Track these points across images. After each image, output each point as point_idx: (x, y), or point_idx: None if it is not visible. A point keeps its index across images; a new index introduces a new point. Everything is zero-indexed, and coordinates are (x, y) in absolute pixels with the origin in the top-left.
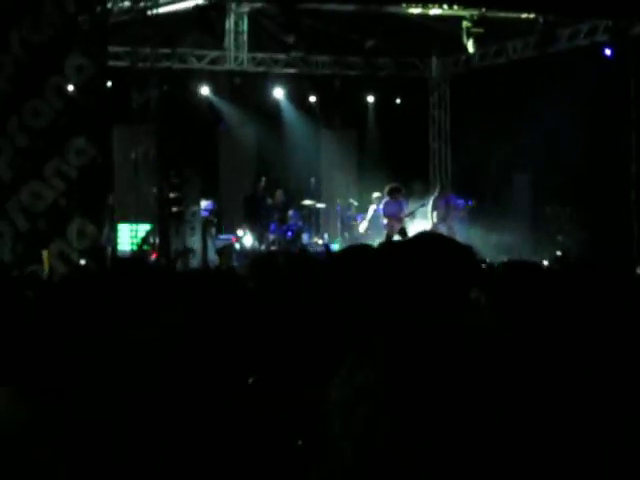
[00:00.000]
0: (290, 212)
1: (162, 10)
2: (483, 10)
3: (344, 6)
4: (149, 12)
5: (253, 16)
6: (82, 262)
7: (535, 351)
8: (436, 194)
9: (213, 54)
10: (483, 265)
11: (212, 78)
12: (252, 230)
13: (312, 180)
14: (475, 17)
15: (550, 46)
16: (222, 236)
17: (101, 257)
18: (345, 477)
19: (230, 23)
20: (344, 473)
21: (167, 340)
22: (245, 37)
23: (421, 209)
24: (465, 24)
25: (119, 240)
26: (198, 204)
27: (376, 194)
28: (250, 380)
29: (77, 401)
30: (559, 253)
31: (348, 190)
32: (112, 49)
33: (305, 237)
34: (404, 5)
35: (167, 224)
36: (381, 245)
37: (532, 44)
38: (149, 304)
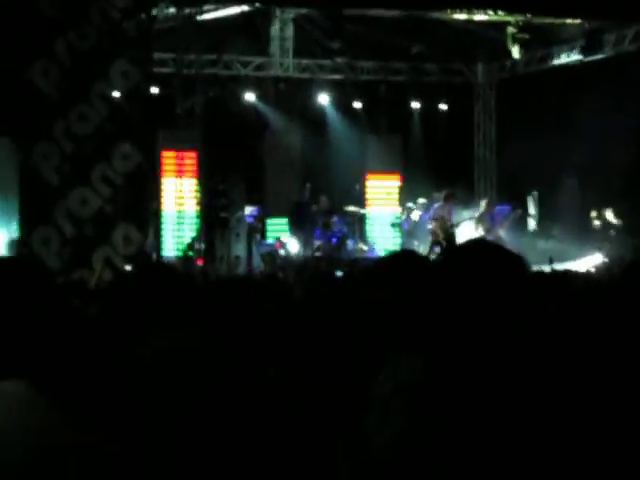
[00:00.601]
0: (334, 218)
1: (208, 16)
2: (528, 16)
3: (389, 12)
4: (194, 18)
5: (298, 22)
6: (127, 268)
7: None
8: (482, 209)
9: (258, 60)
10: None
11: (257, 84)
12: (297, 236)
13: (356, 186)
14: (520, 23)
15: (596, 51)
16: (267, 242)
17: (146, 263)
18: (376, 471)
19: (275, 29)
20: (375, 467)
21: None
22: (290, 43)
23: (466, 217)
24: (510, 30)
25: (165, 246)
26: (243, 210)
27: (421, 200)
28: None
29: (120, 411)
30: (606, 260)
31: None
32: (157, 55)
33: (350, 243)
34: (449, 11)
35: (212, 230)
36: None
37: (578, 49)
38: (188, 310)
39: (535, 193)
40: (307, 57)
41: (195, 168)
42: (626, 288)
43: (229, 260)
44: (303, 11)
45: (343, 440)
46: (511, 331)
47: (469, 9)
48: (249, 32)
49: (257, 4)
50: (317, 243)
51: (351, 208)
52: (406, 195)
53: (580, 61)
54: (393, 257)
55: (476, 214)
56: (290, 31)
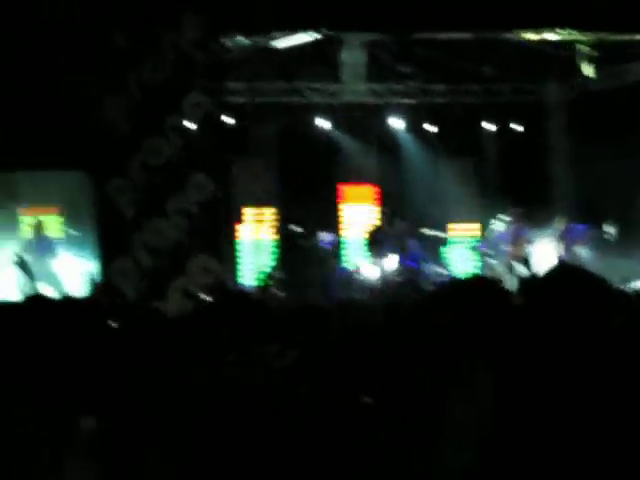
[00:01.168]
0: (411, 242)
1: (279, 45)
2: (599, 33)
3: (459, 34)
4: (266, 47)
5: (370, 48)
6: (205, 298)
7: None
8: (559, 228)
9: (331, 87)
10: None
11: (330, 111)
12: (375, 261)
13: (433, 209)
14: (591, 40)
15: None
16: (343, 268)
17: (223, 293)
18: None
19: (347, 55)
20: None
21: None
22: (362, 69)
23: (542, 236)
24: (581, 48)
25: (243, 275)
26: (319, 236)
27: (497, 222)
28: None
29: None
30: None
31: (469, 218)
32: (230, 85)
33: (428, 267)
34: (520, 32)
35: (290, 258)
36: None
37: None
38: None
39: (612, 212)
40: (379, 82)
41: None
42: None
43: (306, 287)
44: (374, 36)
45: (418, 464)
46: (596, 356)
47: (539, 29)
48: (320, 59)
49: (327, 31)
50: (395, 267)
51: (428, 231)
52: (481, 217)
53: None
54: (463, 283)
55: (552, 233)
56: (361, 57)
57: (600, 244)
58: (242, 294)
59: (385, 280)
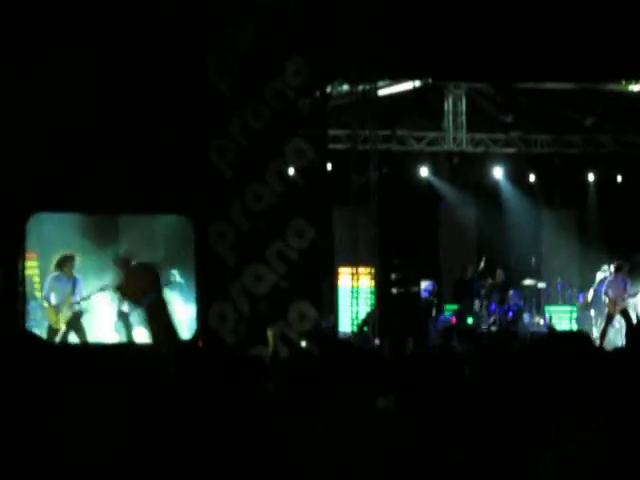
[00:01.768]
0: (511, 292)
1: (381, 92)
2: None
3: (562, 84)
4: (368, 95)
5: (471, 96)
6: (303, 344)
7: None
8: None
9: (432, 135)
10: None
11: (431, 159)
12: (469, 311)
13: (533, 260)
14: None
15: None
16: (443, 316)
17: (322, 340)
18: None
19: (448, 104)
20: None
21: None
22: (463, 117)
23: None
24: None
25: (340, 322)
26: (418, 285)
27: (600, 273)
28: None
29: None
30: None
31: (569, 269)
32: (332, 132)
33: (526, 317)
34: (623, 82)
35: (388, 305)
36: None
37: None
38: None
39: None
40: (480, 131)
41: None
42: None
43: (405, 334)
44: (475, 85)
45: None
46: None
47: None
48: (422, 107)
49: (429, 79)
50: (493, 317)
51: (527, 282)
52: (582, 269)
53: None
54: (558, 337)
55: None
56: (463, 105)
57: None
58: (344, 343)
59: (483, 329)
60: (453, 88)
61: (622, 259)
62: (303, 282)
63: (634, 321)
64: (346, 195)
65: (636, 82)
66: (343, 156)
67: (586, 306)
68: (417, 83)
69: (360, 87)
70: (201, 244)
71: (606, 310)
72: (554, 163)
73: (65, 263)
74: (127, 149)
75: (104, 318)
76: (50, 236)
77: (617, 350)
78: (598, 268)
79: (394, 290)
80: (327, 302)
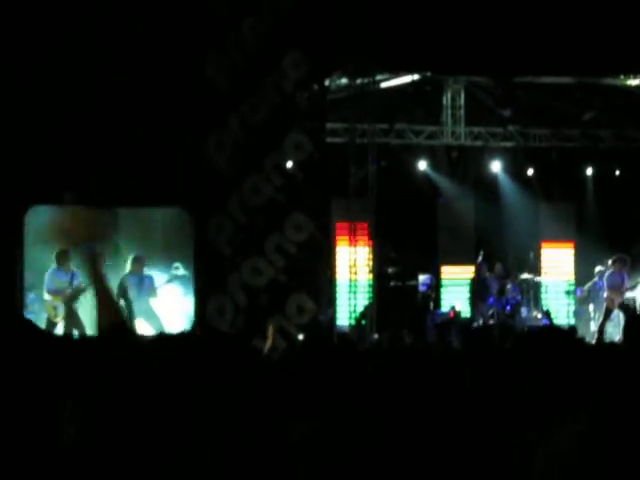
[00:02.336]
0: (509, 286)
1: (379, 86)
2: None
3: (560, 78)
4: (366, 88)
5: (469, 90)
6: (300, 337)
7: None
8: None
9: (430, 129)
10: None
11: (429, 152)
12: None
13: (531, 254)
14: None
15: None
16: (441, 311)
17: (319, 333)
18: None
19: (447, 98)
20: None
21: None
22: (462, 111)
23: None
24: None
25: (338, 315)
26: (416, 278)
27: (599, 267)
28: None
29: None
30: None
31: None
32: (330, 125)
33: (524, 311)
34: (622, 76)
35: (386, 299)
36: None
37: None
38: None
39: None
40: (479, 125)
41: (368, 237)
42: None
43: (401, 328)
44: (474, 79)
45: None
46: None
47: None
48: (420, 101)
49: (428, 73)
50: (490, 311)
51: (525, 276)
52: (580, 262)
53: None
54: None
55: None
56: (461, 99)
57: None
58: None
59: (480, 324)
60: (452, 82)
61: (621, 252)
62: (301, 275)
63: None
64: (344, 188)
65: (634, 76)
66: (341, 150)
67: (584, 300)
68: (416, 77)
69: (358, 81)
70: (200, 237)
71: (604, 305)
72: (552, 157)
73: (63, 257)
74: (126, 143)
75: None
76: (48, 228)
77: (613, 345)
78: (597, 262)
79: (391, 284)
80: (325, 295)
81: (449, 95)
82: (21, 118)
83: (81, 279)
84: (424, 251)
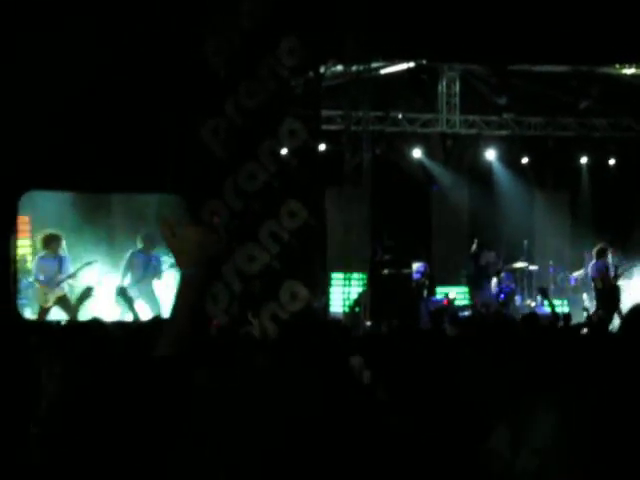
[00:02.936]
0: (502, 274)
1: (374, 73)
2: None
3: (556, 67)
4: (362, 76)
5: (465, 78)
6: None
7: None
8: None
9: (425, 117)
10: None
11: (424, 140)
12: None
13: (525, 242)
14: None
15: None
16: (435, 298)
17: (312, 320)
18: None
19: (442, 86)
20: None
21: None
22: (457, 100)
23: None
24: None
25: (331, 302)
26: (410, 266)
27: (589, 256)
28: None
29: None
30: None
31: (561, 252)
32: (325, 113)
33: (517, 299)
34: (617, 66)
35: (380, 286)
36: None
37: None
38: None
39: None
40: (474, 113)
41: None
42: None
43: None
44: (469, 67)
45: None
46: None
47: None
48: (415, 89)
49: (423, 61)
50: (484, 299)
51: (519, 264)
52: (574, 251)
53: None
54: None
55: None
56: (456, 87)
57: None
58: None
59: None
60: (447, 70)
61: (606, 243)
62: (295, 262)
63: (620, 304)
64: (339, 176)
65: (630, 66)
66: (336, 137)
67: (577, 289)
68: (411, 64)
69: (354, 68)
70: (194, 223)
71: (593, 294)
72: (547, 145)
73: (50, 242)
74: (120, 128)
75: (102, 294)
76: (42, 213)
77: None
78: (590, 250)
79: (385, 271)
80: (319, 283)
81: (444, 83)
82: (12, 103)
83: (70, 264)
84: (418, 239)
